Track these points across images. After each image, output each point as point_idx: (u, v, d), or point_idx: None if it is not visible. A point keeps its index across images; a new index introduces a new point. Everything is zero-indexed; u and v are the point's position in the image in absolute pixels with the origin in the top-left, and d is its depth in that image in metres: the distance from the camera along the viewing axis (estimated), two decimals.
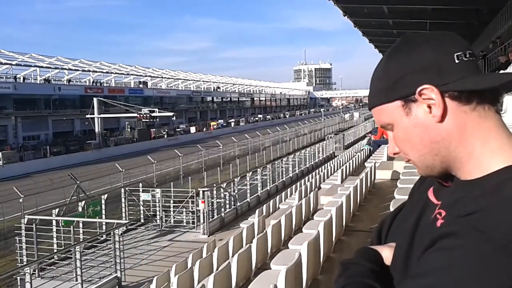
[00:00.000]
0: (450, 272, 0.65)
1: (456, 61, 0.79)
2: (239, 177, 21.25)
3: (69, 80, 59.73)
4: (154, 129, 57.90)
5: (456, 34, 0.84)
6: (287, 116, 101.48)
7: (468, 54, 0.80)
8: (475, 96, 0.78)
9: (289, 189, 19.44)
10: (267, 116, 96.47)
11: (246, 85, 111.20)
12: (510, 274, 0.62)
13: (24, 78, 54.59)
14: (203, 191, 16.76)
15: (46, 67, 57.17)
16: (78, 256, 11.26)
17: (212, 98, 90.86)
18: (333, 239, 6.57)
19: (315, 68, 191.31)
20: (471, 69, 0.79)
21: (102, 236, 14.23)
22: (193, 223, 17.28)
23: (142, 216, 18.54)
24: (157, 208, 18.08)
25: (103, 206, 16.86)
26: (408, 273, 0.78)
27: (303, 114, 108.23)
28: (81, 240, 13.34)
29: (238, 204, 19.13)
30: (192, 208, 17.41)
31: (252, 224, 10.82)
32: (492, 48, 16.89)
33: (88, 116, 47.25)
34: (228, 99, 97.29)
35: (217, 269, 7.03)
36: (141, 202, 18.45)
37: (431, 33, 0.84)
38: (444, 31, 0.85)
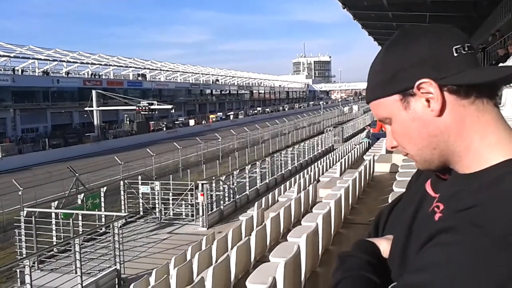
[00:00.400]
0: (448, 267, 0.64)
1: (455, 54, 0.78)
2: (238, 170, 21.27)
3: (67, 73, 59.55)
4: (153, 122, 57.89)
5: (455, 27, 0.83)
6: (286, 109, 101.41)
7: (467, 47, 0.79)
8: (474, 90, 0.77)
9: (288, 182, 19.48)
10: (266, 109, 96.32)
11: (245, 77, 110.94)
12: (510, 268, 0.62)
13: (22, 71, 54.37)
14: (202, 184, 16.77)
15: (45, 60, 56.95)
16: (77, 248, 11.26)
17: (211, 90, 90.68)
18: (332, 231, 6.59)
19: (314, 61, 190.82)
20: (469, 62, 0.79)
21: (101, 229, 14.25)
22: (192, 215, 17.29)
23: (141, 208, 18.55)
24: (156, 201, 18.09)
25: (102, 199, 16.87)
26: (406, 266, 0.78)
27: (302, 107, 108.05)
28: (80, 232, 13.36)
29: (237, 196, 19.15)
30: (191, 201, 17.42)
31: (251, 216, 10.85)
32: (492, 41, 16.84)
33: (86, 108, 47.16)
34: (227, 91, 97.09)
35: (216, 262, 7.05)
36: (140, 195, 18.46)
37: (430, 26, 0.83)
38: (442, 24, 0.85)
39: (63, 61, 59.38)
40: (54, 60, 58.30)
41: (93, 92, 48.20)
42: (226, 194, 18.61)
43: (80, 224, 14.75)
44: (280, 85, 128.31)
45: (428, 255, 0.68)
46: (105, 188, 17.45)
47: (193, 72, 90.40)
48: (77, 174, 20.25)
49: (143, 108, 48.20)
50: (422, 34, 0.81)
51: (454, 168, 0.82)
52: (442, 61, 0.78)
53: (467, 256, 0.64)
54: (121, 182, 18.81)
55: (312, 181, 15.27)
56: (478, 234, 0.65)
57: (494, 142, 0.77)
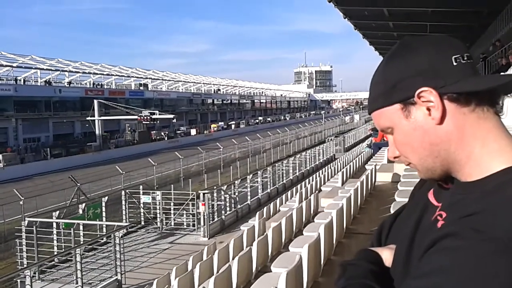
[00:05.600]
0: (451, 272, 0.65)
1: (454, 64, 0.79)
2: (240, 180, 21.25)
3: (69, 82, 59.87)
4: (154, 131, 57.96)
5: (454, 37, 0.84)
6: (288, 119, 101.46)
7: (466, 56, 0.80)
8: (474, 98, 0.78)
9: (289, 192, 19.43)
10: (268, 119, 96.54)
11: (246, 87, 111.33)
12: (511, 274, 0.62)
13: (24, 80, 54.73)
14: (204, 194, 16.76)
15: (47, 69, 57.31)
16: (78, 258, 11.25)
17: (213, 100, 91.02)
18: (334, 241, 6.56)
19: (315, 71, 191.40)
20: (469, 71, 0.80)
21: (102, 239, 14.24)
22: (193, 225, 17.27)
23: (142, 218, 18.54)
24: (158, 211, 18.08)
25: (104, 209, 16.87)
26: (409, 274, 0.78)
27: (303, 117, 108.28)
28: (81, 242, 13.33)
29: (239, 206, 19.12)
30: (192, 211, 17.40)
31: (252, 226, 10.82)
32: (492, 51, 16.90)
33: (88, 118, 47.31)
34: (229, 101, 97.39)
35: (217, 272, 7.02)
36: (142, 205, 18.45)
37: (429, 37, 0.84)
38: (442, 34, 0.86)
39: (65, 71, 59.74)
40: (56, 70, 58.63)
41: (95, 101, 48.37)
42: (228, 204, 18.58)
43: (81, 234, 14.69)
44: (281, 95, 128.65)
45: (431, 260, 0.68)
46: (106, 198, 17.45)
47: (194, 82, 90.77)
48: (78, 184, 20.26)
49: (145, 117, 48.34)
50: (422, 45, 0.82)
51: (456, 177, 0.82)
52: (441, 70, 0.79)
53: (470, 261, 0.64)
54: (123, 192, 18.81)
55: (313, 191, 15.24)
56: (480, 239, 0.65)
57: (495, 149, 0.77)
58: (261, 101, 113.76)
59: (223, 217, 17.73)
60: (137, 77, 74.25)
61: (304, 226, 8.76)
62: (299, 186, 20.68)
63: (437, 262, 0.67)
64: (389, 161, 13.14)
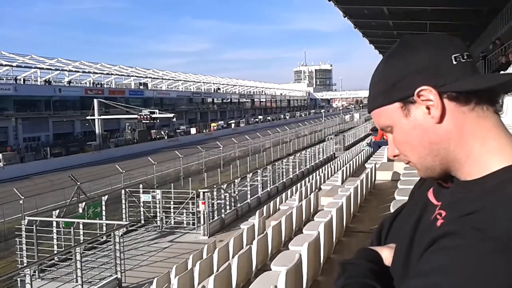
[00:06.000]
0: (450, 272, 0.65)
1: (454, 63, 0.79)
2: (240, 178, 21.23)
3: (69, 82, 59.81)
4: (154, 130, 57.97)
5: (454, 35, 0.84)
6: (288, 117, 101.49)
7: (466, 55, 0.80)
8: (474, 97, 0.78)
9: (289, 190, 19.42)
10: (268, 117, 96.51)
11: (246, 86, 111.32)
12: (511, 273, 0.62)
13: (24, 80, 54.69)
14: (204, 192, 16.74)
15: (47, 69, 57.30)
16: (78, 257, 11.25)
17: (213, 99, 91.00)
18: (334, 240, 6.57)
19: (315, 69, 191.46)
20: (468, 70, 0.80)
21: (102, 238, 14.23)
22: (193, 224, 17.26)
23: (142, 217, 18.53)
24: (158, 209, 18.06)
25: (104, 207, 16.85)
26: (408, 274, 0.78)
27: (303, 115, 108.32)
28: (81, 241, 13.33)
29: (239, 205, 19.11)
30: (192, 209, 17.39)
31: (252, 225, 10.81)
32: (492, 49, 16.90)
33: (88, 117, 47.31)
34: (229, 100, 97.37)
35: (217, 270, 7.03)
36: (142, 203, 18.44)
37: (428, 36, 0.84)
38: (441, 33, 0.85)
39: (65, 70, 59.72)
40: (56, 69, 58.62)
41: (95, 101, 48.35)
42: (227, 203, 18.56)
43: (81, 232, 14.70)
44: (281, 94, 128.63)
45: (431, 260, 0.68)
46: (106, 196, 17.44)
47: (194, 81, 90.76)
48: (78, 183, 20.25)
49: (145, 116, 48.32)
50: (421, 44, 0.82)
51: (455, 176, 0.82)
52: (441, 69, 0.79)
53: (471, 260, 0.64)
54: (122, 191, 18.79)
55: (313, 189, 15.23)
56: (480, 238, 0.65)
57: (494, 148, 0.77)
58: (261, 100, 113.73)
59: (223, 215, 17.72)
60: (137, 76, 74.23)
61: (304, 224, 8.77)
62: (299, 184, 20.67)
63: (437, 261, 0.67)
64: (389, 160, 13.13)
